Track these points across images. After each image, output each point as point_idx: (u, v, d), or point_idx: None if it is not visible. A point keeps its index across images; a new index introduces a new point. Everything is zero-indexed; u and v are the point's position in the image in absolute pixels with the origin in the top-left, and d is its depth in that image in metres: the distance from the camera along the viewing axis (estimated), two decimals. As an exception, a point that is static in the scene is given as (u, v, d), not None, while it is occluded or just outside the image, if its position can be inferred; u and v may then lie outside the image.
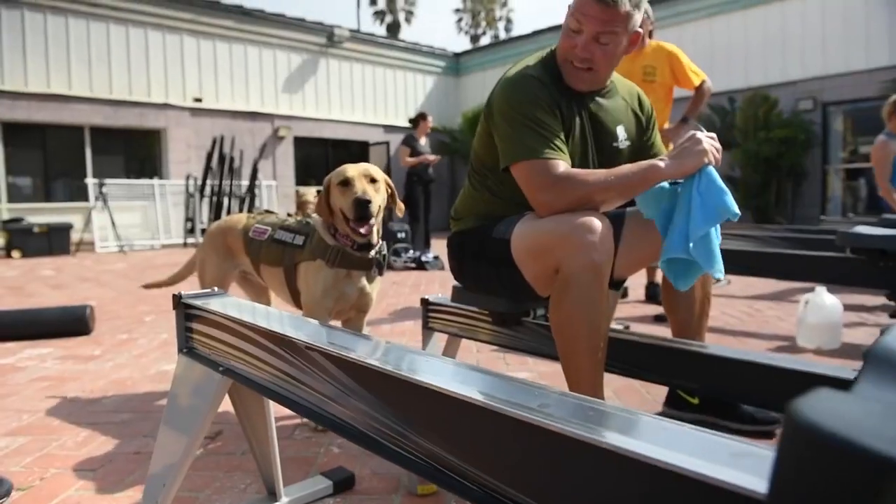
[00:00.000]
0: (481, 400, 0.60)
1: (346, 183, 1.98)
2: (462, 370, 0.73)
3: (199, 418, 1.21)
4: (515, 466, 0.61)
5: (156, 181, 12.13)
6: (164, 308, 4.51)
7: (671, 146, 2.65)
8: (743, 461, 0.45)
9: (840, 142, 11.88)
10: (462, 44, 45.44)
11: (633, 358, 1.80)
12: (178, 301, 1.28)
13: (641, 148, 1.88)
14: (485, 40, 35.15)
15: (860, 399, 0.38)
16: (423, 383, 0.66)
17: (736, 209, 1.54)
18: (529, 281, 1.67)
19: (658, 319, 3.61)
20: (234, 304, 1.22)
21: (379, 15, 35.60)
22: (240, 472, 1.71)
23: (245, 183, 12.38)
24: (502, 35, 35.25)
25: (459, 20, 37.18)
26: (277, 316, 1.13)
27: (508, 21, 37.15)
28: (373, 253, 2.04)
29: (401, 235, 7.58)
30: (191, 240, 11.57)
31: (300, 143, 14.57)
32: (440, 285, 5.62)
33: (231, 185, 12.07)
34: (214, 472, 1.72)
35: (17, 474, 1.73)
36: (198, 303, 1.24)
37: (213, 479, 1.67)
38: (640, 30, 1.69)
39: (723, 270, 1.61)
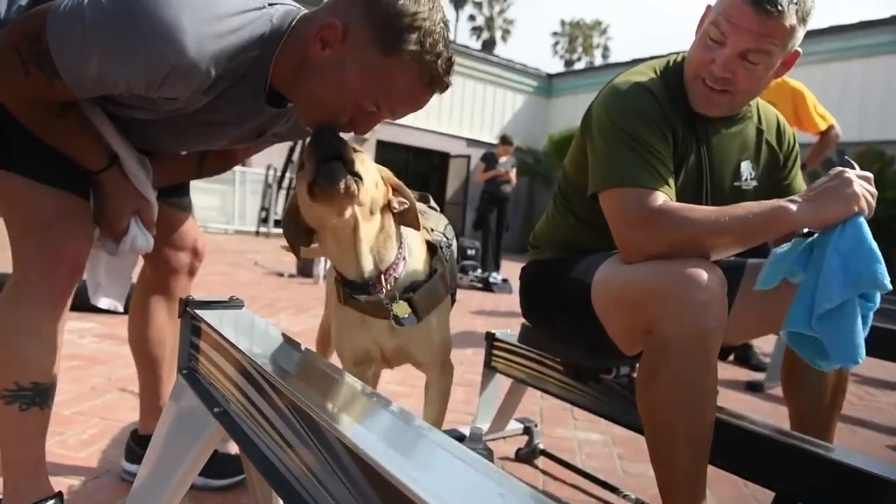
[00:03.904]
0: None
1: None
2: (480, 476, 0.42)
3: (184, 462, 0.94)
4: None
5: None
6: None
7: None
8: None
9: (962, 210, 10.80)
10: (555, 67, 44.91)
11: (732, 450, 1.41)
12: (183, 308, 1.02)
13: (773, 189, 1.49)
14: (578, 66, 34.69)
15: None
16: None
17: (888, 282, 1.15)
18: (612, 336, 1.33)
19: (751, 388, 3.14)
20: (236, 320, 0.94)
21: (476, 31, 35.77)
22: (244, 513, 1.44)
23: (323, 180, 12.44)
24: (598, 63, 34.69)
25: (556, 44, 36.84)
26: (286, 351, 0.85)
27: (605, 49, 36.59)
28: (383, 296, 1.21)
29: (470, 252, 7.31)
30: (263, 229, 11.70)
31: (382, 146, 14.56)
32: (506, 311, 5.28)
33: (309, 180, 12.15)
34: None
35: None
36: (204, 314, 0.98)
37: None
38: (799, 49, 1.33)
39: (858, 359, 1.20)
